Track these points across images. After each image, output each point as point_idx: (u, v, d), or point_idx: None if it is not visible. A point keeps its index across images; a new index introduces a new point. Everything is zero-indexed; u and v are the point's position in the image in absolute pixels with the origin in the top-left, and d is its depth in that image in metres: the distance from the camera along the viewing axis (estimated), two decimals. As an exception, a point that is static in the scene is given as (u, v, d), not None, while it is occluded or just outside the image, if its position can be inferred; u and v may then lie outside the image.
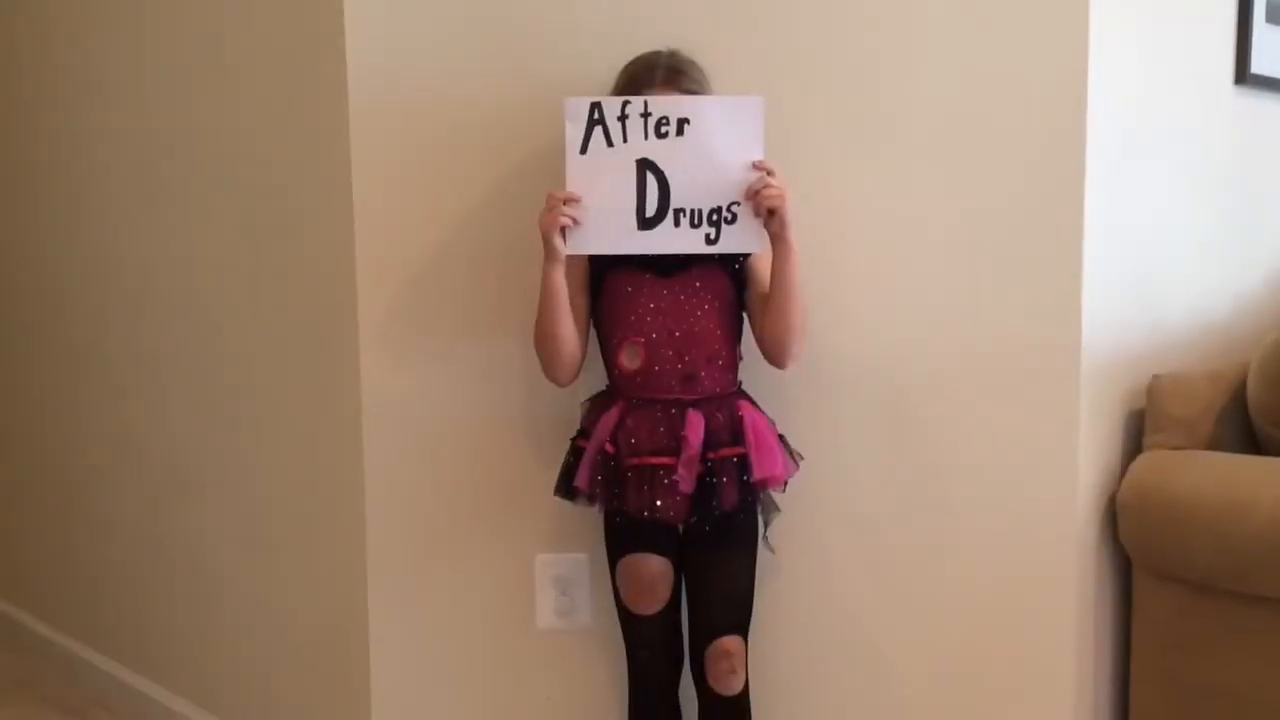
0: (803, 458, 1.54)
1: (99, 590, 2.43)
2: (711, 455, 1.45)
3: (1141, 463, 1.70)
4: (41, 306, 2.55)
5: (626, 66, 1.48)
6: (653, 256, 1.45)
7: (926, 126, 1.58)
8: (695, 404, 1.47)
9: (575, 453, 1.53)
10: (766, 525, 1.54)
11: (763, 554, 1.54)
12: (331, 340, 1.69)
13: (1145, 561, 1.68)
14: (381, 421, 1.64)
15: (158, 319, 2.14)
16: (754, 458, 1.47)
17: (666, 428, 1.45)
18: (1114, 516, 1.70)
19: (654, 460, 1.44)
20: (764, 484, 1.48)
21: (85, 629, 2.50)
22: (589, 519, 1.57)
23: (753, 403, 1.53)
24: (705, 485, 1.44)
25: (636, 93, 1.41)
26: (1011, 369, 1.61)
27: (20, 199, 2.58)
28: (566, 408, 1.58)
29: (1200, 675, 1.63)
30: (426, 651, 1.69)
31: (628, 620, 1.57)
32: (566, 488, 1.53)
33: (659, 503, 1.44)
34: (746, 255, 1.48)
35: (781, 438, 1.53)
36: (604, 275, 1.50)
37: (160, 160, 2.07)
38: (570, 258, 1.44)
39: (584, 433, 1.54)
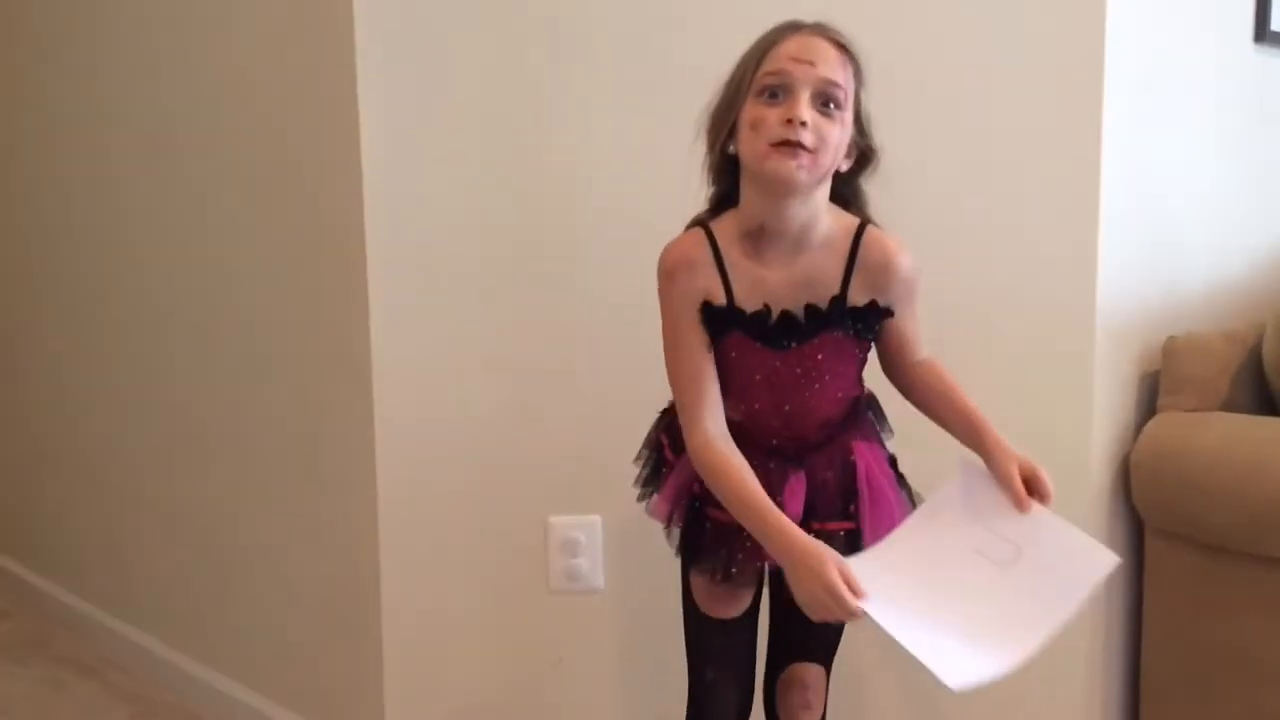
0: (922, 499, 1.30)
1: (111, 552, 2.44)
2: (816, 526, 1.23)
3: (1156, 424, 1.69)
4: (46, 268, 2.54)
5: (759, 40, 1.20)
6: (766, 324, 1.22)
7: (939, 80, 1.56)
8: (800, 455, 1.27)
9: (658, 461, 1.36)
10: None
11: None
12: (342, 300, 1.68)
13: (1158, 523, 1.68)
14: (393, 381, 1.64)
15: (166, 279, 2.13)
16: (866, 530, 1.26)
17: (764, 483, 1.21)
18: (1127, 478, 1.69)
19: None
20: None
21: (98, 590, 2.51)
22: (604, 481, 1.57)
23: (874, 428, 1.33)
24: None
25: (770, 51, 1.16)
26: (1027, 329, 1.60)
27: (23, 165, 2.57)
28: (584, 367, 1.57)
29: (1213, 637, 1.63)
30: (438, 612, 1.69)
31: (698, 626, 1.35)
32: (643, 489, 1.38)
33: (734, 570, 1.26)
34: (884, 319, 1.25)
35: (899, 475, 1.32)
36: (714, 330, 1.24)
37: (168, 126, 2.05)
38: (686, 304, 1.22)
39: (671, 439, 1.33)
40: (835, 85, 1.14)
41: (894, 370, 1.30)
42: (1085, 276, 1.58)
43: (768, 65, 1.15)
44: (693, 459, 1.22)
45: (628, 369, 1.60)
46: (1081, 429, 1.63)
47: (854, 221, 1.23)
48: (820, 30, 1.17)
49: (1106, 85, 1.55)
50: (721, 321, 1.22)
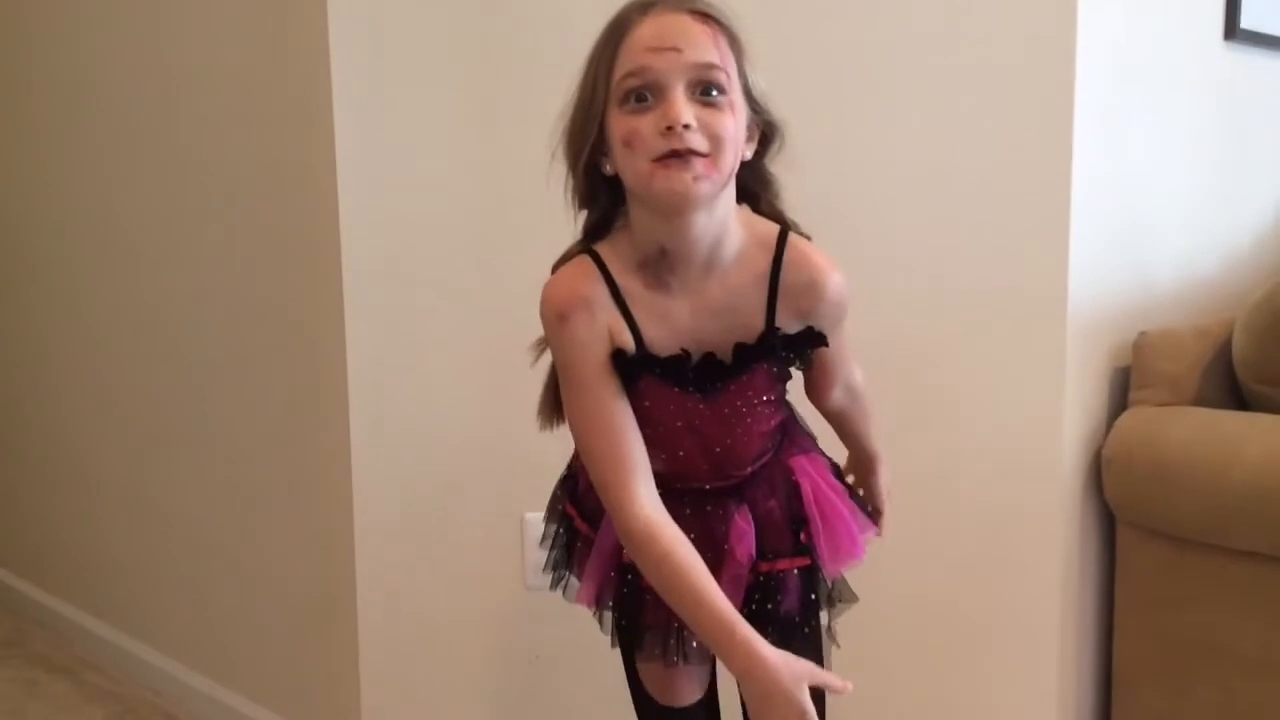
0: (880, 514, 1.28)
1: (87, 551, 2.43)
2: (765, 568, 1.12)
3: (1127, 419, 1.70)
4: (18, 263, 2.52)
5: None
6: (683, 369, 1.06)
7: (910, 75, 1.57)
8: (738, 489, 1.13)
9: (569, 537, 1.22)
10: (831, 618, 1.20)
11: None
12: (318, 299, 1.68)
13: (1130, 516, 1.69)
14: (368, 379, 1.63)
15: (141, 283, 2.12)
16: (825, 558, 1.14)
17: (702, 530, 1.10)
18: (1099, 472, 1.70)
19: None
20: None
21: (73, 590, 2.50)
22: (577, 477, 1.57)
23: (807, 437, 1.21)
24: (756, 598, 1.11)
25: (620, 45, 0.98)
26: (998, 324, 1.61)
27: (1, 165, 2.55)
28: None
29: (1183, 628, 1.65)
30: (414, 609, 1.69)
31: (650, 714, 1.25)
32: (555, 573, 1.24)
33: (693, 645, 1.11)
34: (817, 346, 1.09)
35: (846, 486, 1.20)
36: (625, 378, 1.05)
37: (145, 131, 2.04)
38: (590, 352, 1.04)
39: (580, 508, 1.20)
40: (713, 68, 0.96)
41: (813, 393, 1.18)
42: (1057, 272, 1.59)
43: (623, 64, 0.96)
44: (629, 546, 1.03)
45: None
46: (1053, 423, 1.64)
47: (772, 230, 1.05)
48: (673, 3, 0.97)
49: (1078, 82, 1.56)
50: (632, 369, 1.03)
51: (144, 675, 2.24)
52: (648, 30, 0.96)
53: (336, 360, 1.64)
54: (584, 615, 1.67)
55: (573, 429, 1.07)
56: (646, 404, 1.06)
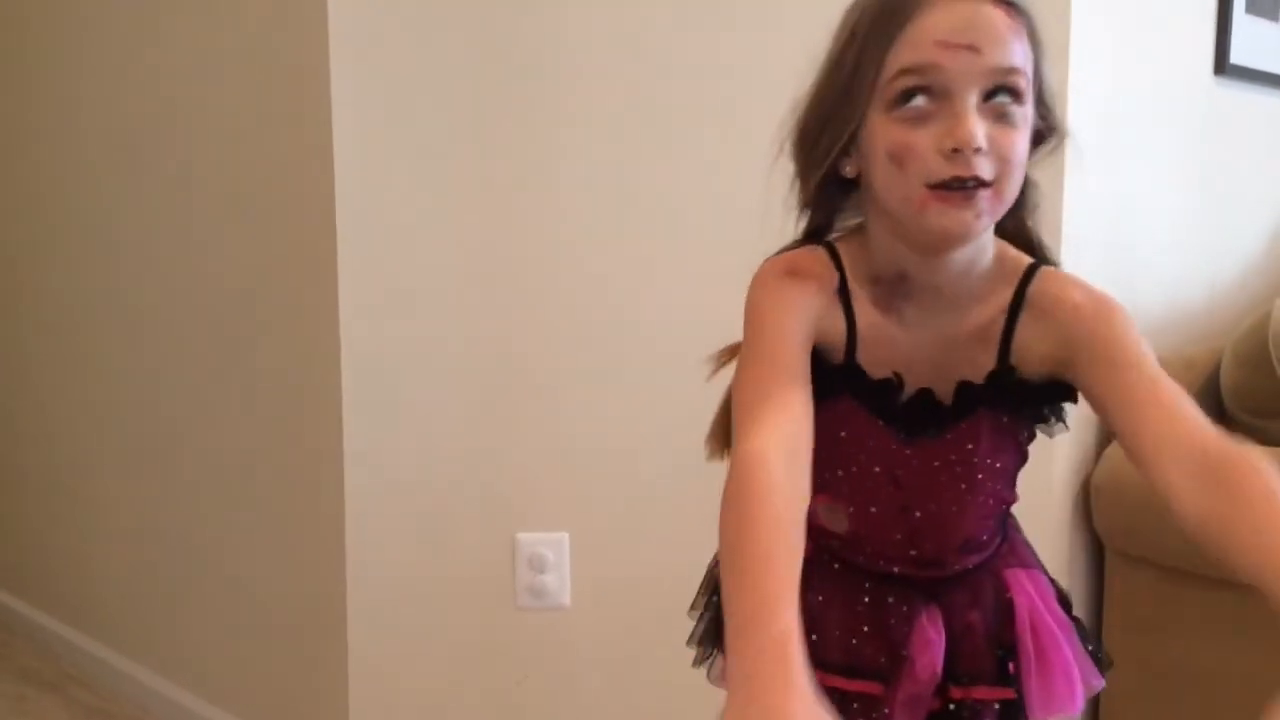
0: (1111, 664, 0.97)
1: (74, 565, 2.42)
2: (959, 694, 0.88)
3: (1116, 448, 1.71)
4: (4, 270, 2.52)
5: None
6: (894, 398, 0.87)
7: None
8: (931, 587, 0.90)
9: (718, 611, 0.94)
10: None
11: None
12: (311, 316, 1.68)
13: (1118, 545, 1.70)
14: (361, 397, 1.64)
15: (135, 294, 2.13)
16: (1033, 700, 0.89)
17: (878, 626, 0.88)
18: (1088, 501, 1.71)
19: (850, 685, 0.87)
20: None
21: (61, 605, 2.49)
22: (571, 498, 1.57)
23: (1030, 552, 0.98)
24: None
25: (903, 29, 0.78)
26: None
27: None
28: (554, 383, 1.55)
29: (1171, 657, 1.65)
30: (404, 628, 1.69)
31: None
32: (701, 648, 0.99)
33: None
34: (1065, 400, 0.91)
35: (1075, 619, 0.95)
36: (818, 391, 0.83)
37: (140, 141, 2.05)
38: (796, 319, 0.84)
39: None
40: (1014, 73, 0.78)
41: (1152, 479, 0.80)
42: (1048, 301, 1.61)
43: (902, 55, 0.77)
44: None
45: (599, 386, 1.61)
46: (1043, 453, 1.63)
47: (1020, 260, 0.87)
48: None
49: (1069, 115, 1.58)
50: (834, 380, 0.85)
51: (132, 691, 2.23)
52: (941, 18, 0.77)
53: (331, 376, 1.65)
54: (573, 638, 1.68)
55: (735, 401, 0.81)
56: (843, 434, 0.87)
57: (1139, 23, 1.77)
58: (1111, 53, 1.69)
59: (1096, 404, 0.84)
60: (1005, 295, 0.86)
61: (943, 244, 0.82)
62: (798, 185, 0.88)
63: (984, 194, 0.77)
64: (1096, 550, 1.75)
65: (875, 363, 0.86)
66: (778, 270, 0.86)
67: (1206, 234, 2.01)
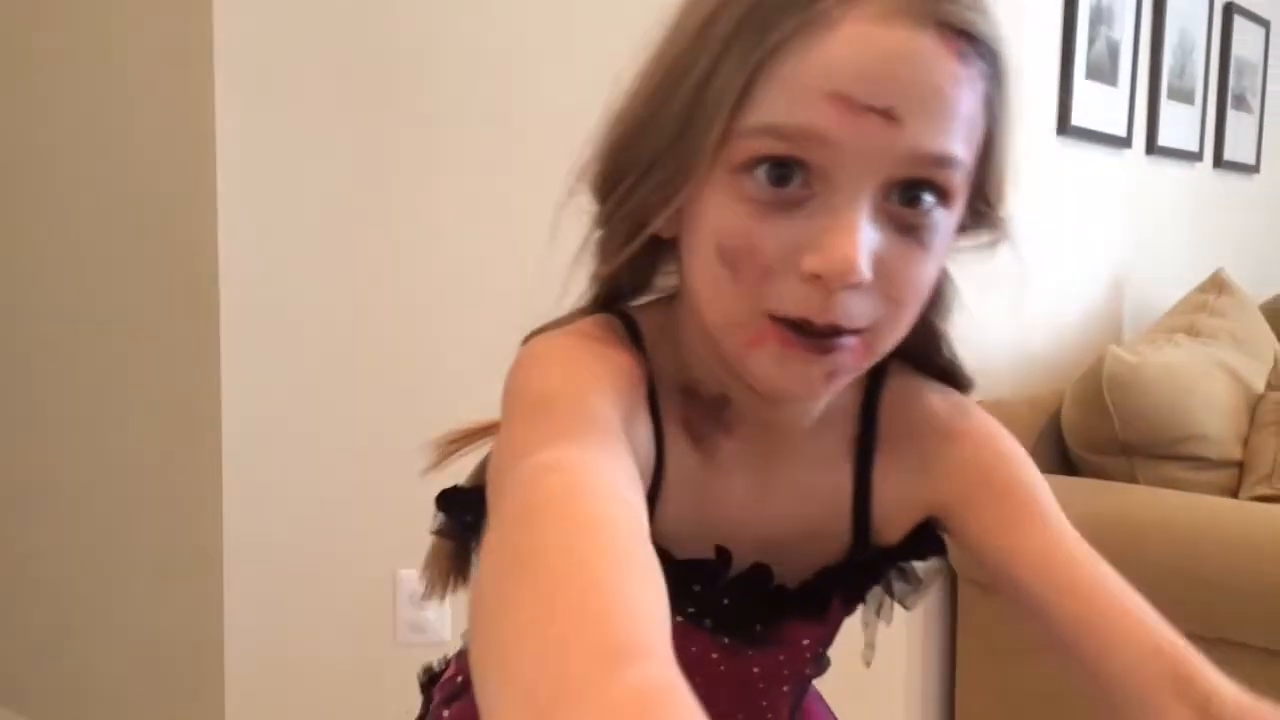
0: None
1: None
2: None
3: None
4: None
5: None
6: (714, 584, 0.62)
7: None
8: None
9: None
10: None
11: None
12: (192, 351, 1.68)
13: (969, 572, 1.80)
14: (242, 434, 1.65)
15: (9, 325, 2.09)
16: None
17: None
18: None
19: None
20: None
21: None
22: (449, 535, 1.60)
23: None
24: None
25: (783, 44, 0.50)
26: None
27: None
28: (434, 420, 1.58)
29: (1022, 680, 1.74)
30: (283, 665, 1.70)
31: None
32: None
33: None
34: (935, 555, 0.71)
35: None
36: None
37: (26, 168, 2.03)
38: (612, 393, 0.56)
39: (447, 690, 0.78)
40: (945, 163, 0.53)
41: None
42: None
43: (773, 100, 0.50)
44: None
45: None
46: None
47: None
48: (914, 3, 0.50)
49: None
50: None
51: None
52: (848, 51, 0.49)
53: (211, 414, 1.65)
54: (453, 670, 1.71)
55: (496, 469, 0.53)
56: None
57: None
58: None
59: (988, 565, 0.63)
60: (848, 429, 0.63)
61: (772, 397, 0.58)
62: (598, 233, 0.60)
63: (848, 346, 0.53)
64: (949, 579, 1.84)
65: (680, 520, 0.60)
66: (569, 342, 0.59)
67: (1048, 282, 2.15)
